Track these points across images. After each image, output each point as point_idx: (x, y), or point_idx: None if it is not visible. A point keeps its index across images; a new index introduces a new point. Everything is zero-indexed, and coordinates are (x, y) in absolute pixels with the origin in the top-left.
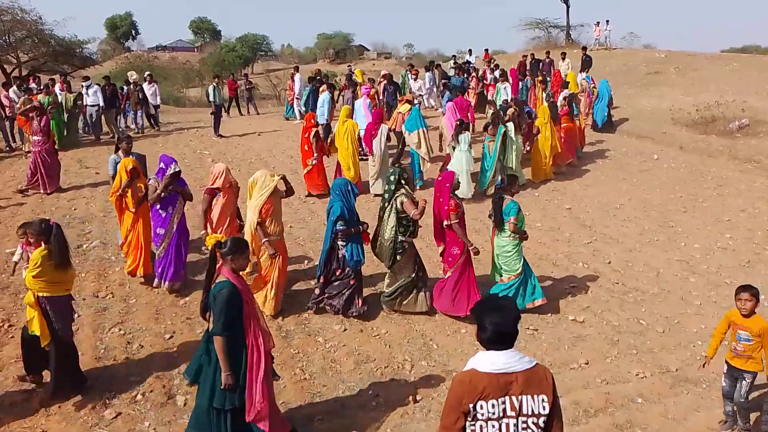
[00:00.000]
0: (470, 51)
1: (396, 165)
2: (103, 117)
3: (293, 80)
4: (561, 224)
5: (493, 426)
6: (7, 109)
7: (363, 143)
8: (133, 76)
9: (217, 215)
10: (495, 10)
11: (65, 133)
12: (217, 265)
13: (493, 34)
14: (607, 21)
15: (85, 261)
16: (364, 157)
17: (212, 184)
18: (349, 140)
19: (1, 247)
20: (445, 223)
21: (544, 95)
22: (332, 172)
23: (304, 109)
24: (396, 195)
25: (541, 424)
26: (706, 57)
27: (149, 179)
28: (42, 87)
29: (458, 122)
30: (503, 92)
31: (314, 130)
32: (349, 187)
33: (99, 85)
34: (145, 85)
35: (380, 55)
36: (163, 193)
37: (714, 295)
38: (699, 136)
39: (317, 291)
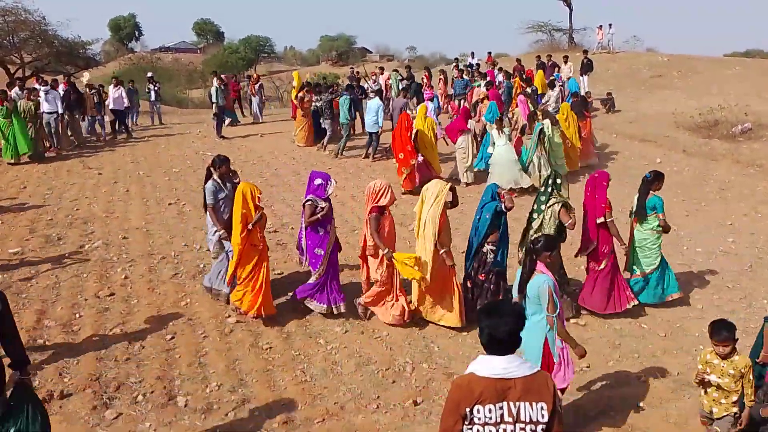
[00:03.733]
0: (473, 54)
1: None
2: (63, 123)
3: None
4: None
5: (490, 431)
6: None
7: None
8: (86, 78)
9: (386, 234)
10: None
11: (27, 145)
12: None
13: (495, 36)
14: (610, 24)
15: (87, 261)
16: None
17: (376, 202)
18: (432, 137)
19: (4, 247)
20: (599, 220)
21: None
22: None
23: (348, 119)
24: (551, 201)
25: None
26: (709, 61)
27: (307, 199)
28: (24, 90)
29: (499, 118)
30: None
31: (415, 129)
32: (494, 193)
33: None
34: (111, 89)
35: (383, 57)
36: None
37: (716, 299)
38: (702, 139)
39: (469, 296)
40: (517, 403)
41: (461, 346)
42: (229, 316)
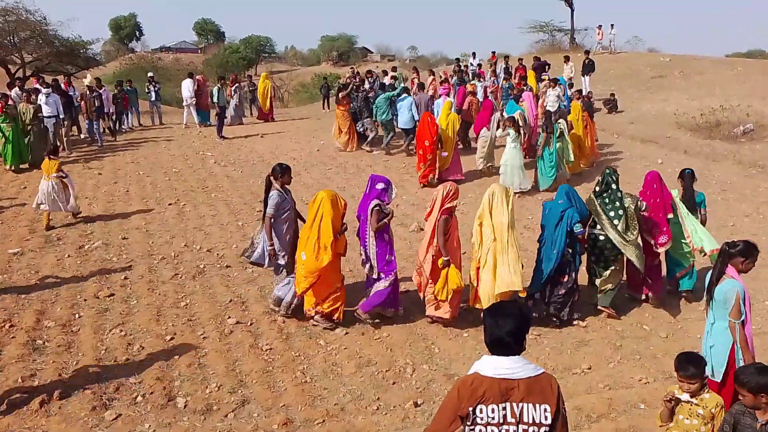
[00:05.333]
0: (474, 54)
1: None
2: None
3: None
4: None
5: (493, 431)
6: None
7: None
8: (88, 80)
9: (453, 239)
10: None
11: (28, 151)
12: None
13: (497, 36)
14: (612, 25)
15: (87, 261)
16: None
17: (446, 204)
18: (453, 132)
19: (4, 247)
20: (670, 215)
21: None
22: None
23: (382, 117)
24: (626, 201)
25: None
26: (710, 61)
27: (375, 204)
28: (23, 93)
29: (509, 118)
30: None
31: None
32: (576, 194)
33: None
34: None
35: (384, 57)
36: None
37: None
38: (703, 140)
39: (537, 296)
40: (521, 404)
41: (462, 348)
42: (229, 317)
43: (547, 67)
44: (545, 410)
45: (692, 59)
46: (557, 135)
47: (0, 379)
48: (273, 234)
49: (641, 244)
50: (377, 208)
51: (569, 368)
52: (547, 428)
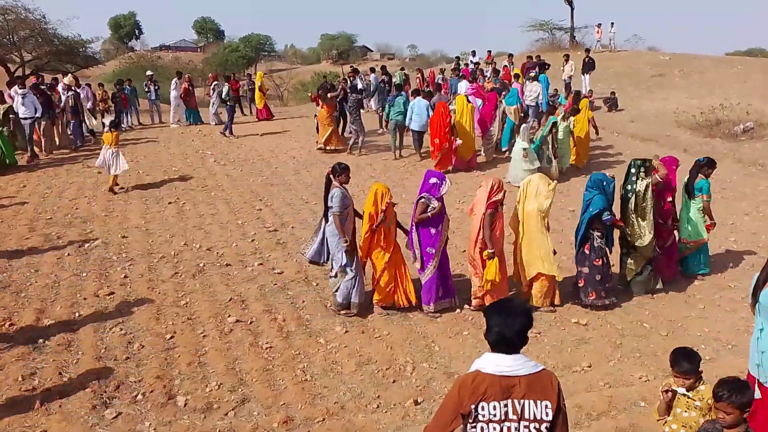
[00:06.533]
0: (474, 52)
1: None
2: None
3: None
4: (564, 226)
5: (494, 428)
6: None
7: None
8: (68, 80)
9: (497, 230)
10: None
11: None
12: None
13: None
14: (612, 23)
15: (87, 260)
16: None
17: (492, 197)
18: (469, 123)
19: (3, 246)
20: (669, 199)
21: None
22: None
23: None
24: (646, 181)
25: (544, 431)
26: (710, 60)
27: (421, 196)
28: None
29: (522, 115)
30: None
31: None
32: (606, 182)
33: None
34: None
35: (384, 56)
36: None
37: (718, 298)
38: (703, 139)
39: (581, 283)
40: (522, 401)
41: (462, 346)
42: (229, 315)
43: (546, 66)
44: (546, 406)
45: (692, 58)
46: (550, 129)
47: (0, 377)
48: (342, 229)
49: (650, 226)
50: (422, 200)
51: (569, 366)
52: (548, 424)
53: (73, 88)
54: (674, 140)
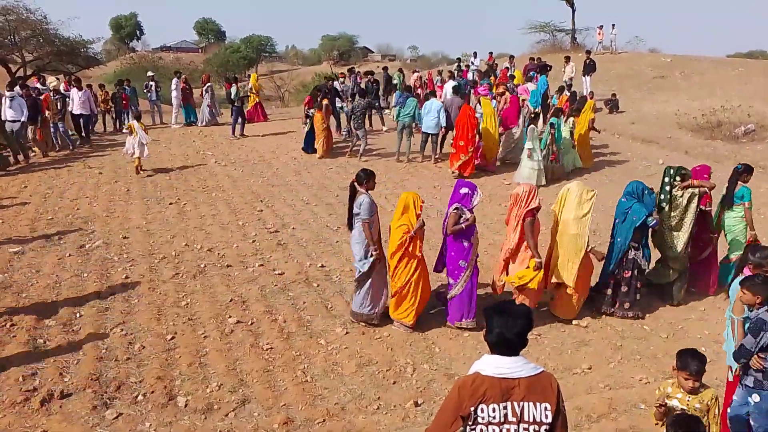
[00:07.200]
0: (475, 53)
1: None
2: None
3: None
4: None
5: (494, 431)
6: None
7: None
8: (53, 83)
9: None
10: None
11: None
12: None
13: (498, 36)
14: (613, 25)
15: (88, 261)
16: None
17: (528, 206)
18: (494, 125)
19: (5, 246)
20: (708, 208)
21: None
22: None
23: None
24: (688, 193)
25: None
26: (711, 61)
27: (454, 207)
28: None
29: (532, 115)
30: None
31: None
32: (647, 190)
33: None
34: (73, 91)
35: (384, 57)
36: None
37: (718, 300)
38: (704, 141)
39: (609, 292)
40: (521, 403)
41: (462, 347)
42: (230, 316)
43: (548, 68)
44: (546, 409)
45: (693, 59)
46: (547, 132)
47: (1, 378)
48: (371, 236)
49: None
50: (455, 211)
51: (569, 368)
52: (548, 427)
53: (60, 91)
54: (675, 142)
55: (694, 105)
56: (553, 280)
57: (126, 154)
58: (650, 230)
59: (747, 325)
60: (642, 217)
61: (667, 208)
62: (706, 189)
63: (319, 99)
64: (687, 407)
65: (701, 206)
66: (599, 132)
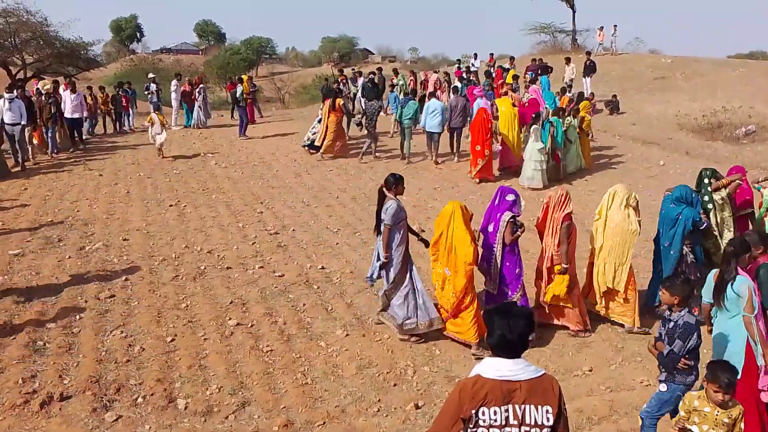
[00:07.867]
0: (475, 55)
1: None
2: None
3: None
4: None
5: None
6: None
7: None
8: (46, 85)
9: (572, 242)
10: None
11: None
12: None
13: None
14: (614, 26)
15: (88, 263)
16: None
17: (563, 210)
18: (514, 127)
19: (4, 249)
20: (740, 212)
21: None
22: None
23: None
24: (719, 195)
25: None
26: (712, 62)
27: (511, 216)
28: None
29: (534, 115)
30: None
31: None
32: (694, 194)
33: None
34: (66, 94)
35: (385, 59)
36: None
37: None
38: (705, 142)
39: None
40: (523, 406)
41: (463, 350)
42: (230, 318)
43: (549, 69)
44: (547, 411)
45: (694, 61)
46: (547, 132)
47: (0, 380)
48: (387, 243)
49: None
50: (512, 220)
51: (570, 370)
52: (549, 430)
53: (52, 94)
54: (676, 143)
55: (694, 106)
56: (602, 289)
57: (153, 141)
58: (701, 233)
59: (665, 330)
60: (693, 220)
61: (713, 211)
62: (739, 182)
63: (332, 99)
64: (715, 422)
65: (744, 209)
66: (589, 135)
